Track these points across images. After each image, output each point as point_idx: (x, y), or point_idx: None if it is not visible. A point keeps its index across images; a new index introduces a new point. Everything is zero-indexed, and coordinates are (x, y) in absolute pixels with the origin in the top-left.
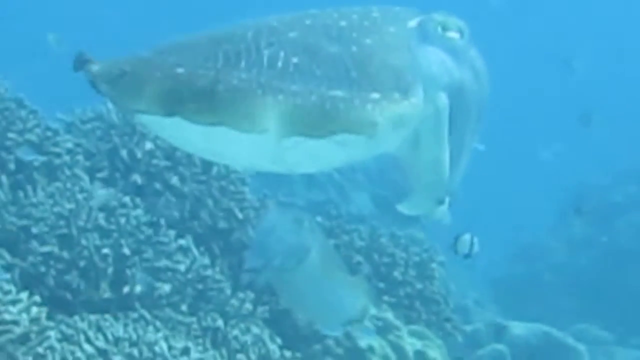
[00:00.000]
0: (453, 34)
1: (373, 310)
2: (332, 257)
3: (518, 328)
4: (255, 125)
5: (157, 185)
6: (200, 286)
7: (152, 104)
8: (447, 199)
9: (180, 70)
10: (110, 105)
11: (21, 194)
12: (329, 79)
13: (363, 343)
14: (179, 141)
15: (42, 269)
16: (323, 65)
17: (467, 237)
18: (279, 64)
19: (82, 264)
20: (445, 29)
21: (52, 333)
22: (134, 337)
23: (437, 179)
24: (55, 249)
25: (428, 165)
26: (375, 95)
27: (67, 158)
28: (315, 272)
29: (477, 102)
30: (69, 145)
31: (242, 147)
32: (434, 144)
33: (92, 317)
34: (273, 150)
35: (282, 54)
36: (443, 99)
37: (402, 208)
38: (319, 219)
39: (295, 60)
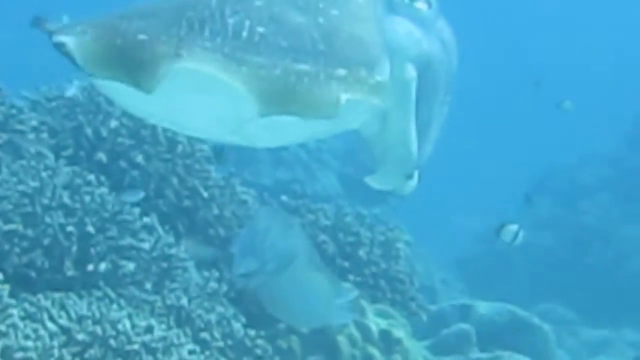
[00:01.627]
0: (420, 5)
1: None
2: (316, 261)
3: (483, 307)
4: (216, 96)
5: (122, 164)
6: (164, 264)
7: (112, 71)
8: (416, 174)
9: (142, 37)
10: (75, 83)
11: None
12: (294, 51)
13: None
14: (138, 109)
15: (6, 247)
16: (289, 36)
17: (514, 227)
18: (244, 33)
19: (46, 242)
20: None
21: (14, 311)
22: (98, 315)
23: (405, 153)
24: (19, 227)
25: (395, 139)
26: (342, 72)
27: (31, 136)
28: (300, 277)
29: (445, 73)
30: (34, 123)
31: (202, 117)
32: (401, 118)
33: (56, 295)
34: (233, 122)
35: (247, 23)
36: (410, 71)
37: (371, 182)
38: (284, 197)
39: (260, 30)
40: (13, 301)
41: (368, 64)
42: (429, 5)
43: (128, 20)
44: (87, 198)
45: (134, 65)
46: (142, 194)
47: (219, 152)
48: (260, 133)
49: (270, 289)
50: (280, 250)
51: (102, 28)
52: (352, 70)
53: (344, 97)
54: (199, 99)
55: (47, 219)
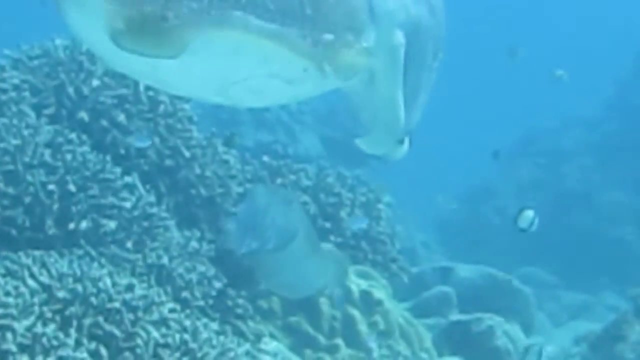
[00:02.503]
0: None
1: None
2: (313, 236)
3: (464, 270)
4: (202, 55)
5: (104, 123)
6: (145, 224)
7: (97, 26)
8: (406, 139)
9: None
10: (57, 42)
11: None
12: (282, 14)
13: None
14: (123, 66)
15: None
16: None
17: (530, 213)
18: None
19: (27, 200)
20: None
21: None
22: (78, 273)
23: (393, 119)
24: (1, 185)
25: (384, 105)
26: (328, 37)
27: (13, 94)
28: (298, 255)
29: (433, 38)
30: (16, 81)
31: (187, 77)
32: (389, 84)
33: (37, 253)
34: (218, 82)
35: None
36: (399, 37)
37: (363, 146)
38: (266, 158)
39: None
40: None
41: (355, 29)
42: None
43: None
44: (69, 157)
45: (121, 25)
46: (149, 141)
47: (230, 137)
48: (246, 94)
49: (268, 266)
50: (281, 228)
51: None
52: (339, 35)
53: (330, 61)
54: (186, 59)
55: (29, 177)
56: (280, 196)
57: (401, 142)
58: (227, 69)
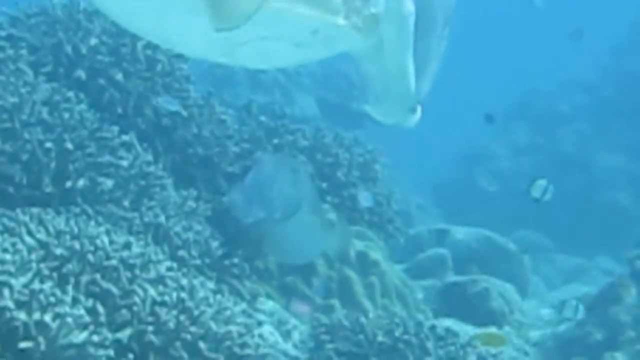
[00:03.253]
0: None
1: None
2: (318, 204)
3: (460, 233)
4: (209, 13)
5: (102, 81)
6: (142, 182)
7: None
8: (418, 107)
9: None
10: (55, 0)
11: None
12: None
13: None
14: (130, 24)
15: None
16: None
17: (542, 182)
18: None
19: (24, 157)
20: None
21: None
22: (76, 230)
23: (404, 88)
24: None
25: (394, 74)
26: (336, 2)
27: (10, 52)
28: (303, 223)
29: (443, 7)
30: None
31: (192, 35)
32: (399, 52)
33: (34, 211)
34: (225, 43)
35: None
36: (408, 5)
37: (375, 114)
38: (263, 118)
39: None
40: None
41: None
42: None
43: None
44: (66, 115)
45: None
46: (177, 105)
47: (248, 104)
48: (252, 56)
49: (274, 235)
50: (287, 197)
51: None
52: (347, 1)
53: (337, 24)
54: (193, 18)
55: (26, 135)
56: (287, 165)
57: (413, 110)
58: (234, 30)
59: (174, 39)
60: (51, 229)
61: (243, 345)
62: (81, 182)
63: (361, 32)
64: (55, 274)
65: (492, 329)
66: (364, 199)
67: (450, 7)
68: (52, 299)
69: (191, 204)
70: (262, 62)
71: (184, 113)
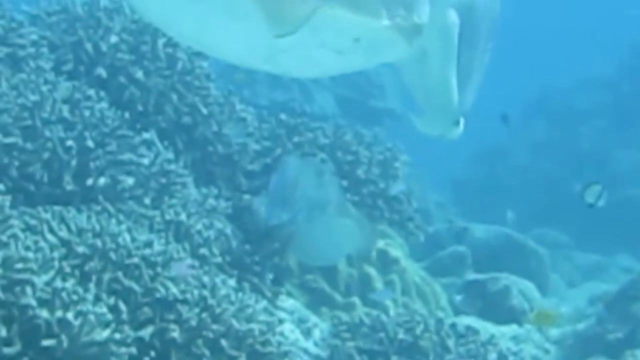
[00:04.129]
0: None
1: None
2: (345, 206)
3: (479, 230)
4: (251, 18)
5: (122, 79)
6: (163, 180)
7: None
8: (462, 120)
9: None
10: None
11: None
12: None
13: None
14: (170, 28)
15: (5, 160)
16: None
17: (597, 187)
18: None
19: (45, 155)
20: None
21: (15, 222)
22: (97, 228)
23: (447, 100)
24: (19, 140)
25: (437, 86)
26: (380, 8)
27: (31, 50)
28: (330, 226)
29: (488, 19)
30: (34, 37)
31: (233, 40)
32: (443, 65)
33: (56, 208)
34: (266, 49)
35: None
36: (452, 17)
37: (418, 126)
38: (283, 116)
39: None
40: (14, 212)
41: (407, 5)
42: None
43: None
44: (87, 112)
45: None
46: (244, 135)
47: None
48: (294, 64)
49: (299, 238)
50: (312, 200)
51: None
52: (390, 8)
53: (381, 32)
54: (235, 24)
55: (47, 133)
56: (311, 167)
57: (456, 123)
58: (276, 36)
59: (214, 45)
60: (73, 227)
61: (264, 343)
62: (102, 180)
63: (404, 42)
64: (77, 272)
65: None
66: (395, 189)
67: (495, 20)
68: (74, 297)
69: (212, 201)
70: (304, 70)
71: (204, 111)
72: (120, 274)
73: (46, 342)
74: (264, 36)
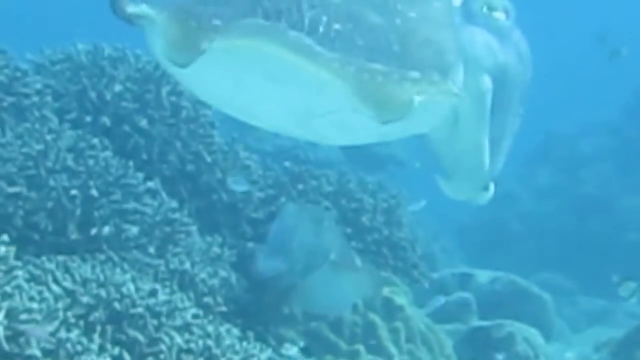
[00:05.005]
0: (499, 14)
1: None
2: (347, 254)
3: (484, 276)
4: (287, 85)
5: (126, 128)
6: (167, 229)
7: (185, 53)
8: (492, 185)
9: (217, 22)
10: (80, 47)
11: None
12: (369, 50)
13: None
14: (206, 93)
15: (10, 209)
16: (365, 35)
17: (632, 284)
18: (321, 28)
19: (50, 205)
20: (491, 8)
21: (20, 273)
22: (102, 278)
23: (478, 165)
24: (24, 190)
25: (468, 150)
26: (415, 74)
27: (36, 99)
28: (332, 274)
29: (520, 85)
30: (38, 86)
31: (270, 107)
32: (475, 129)
33: (60, 258)
34: (302, 115)
35: (324, 18)
36: (486, 82)
37: (446, 190)
38: (287, 163)
39: (337, 26)
40: (19, 263)
41: (442, 69)
42: (507, 15)
43: (204, 4)
44: (91, 161)
45: (199, 40)
46: (246, 184)
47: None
48: (330, 130)
49: (301, 287)
50: (310, 249)
51: (178, 9)
52: (425, 73)
53: (416, 98)
54: (271, 87)
55: (51, 182)
56: (309, 215)
57: (486, 188)
58: (309, 101)
59: (247, 108)
60: (77, 277)
61: None
62: (106, 229)
63: (438, 110)
64: (81, 322)
65: None
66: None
67: (526, 85)
68: (78, 348)
69: (216, 249)
70: (339, 137)
71: (209, 159)
72: (124, 323)
73: None
74: (300, 101)
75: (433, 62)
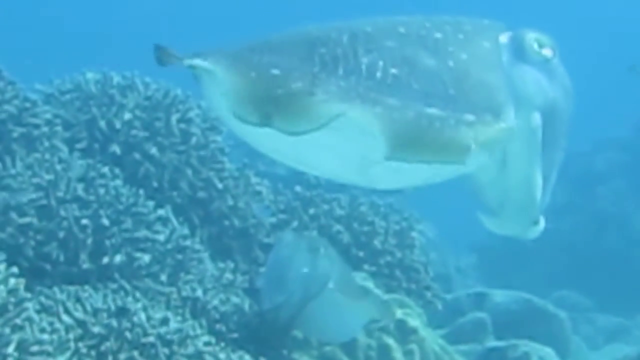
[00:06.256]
0: (547, 51)
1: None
2: (349, 280)
3: (499, 296)
4: (348, 136)
5: (136, 156)
6: (179, 256)
7: (244, 105)
8: (542, 219)
9: (275, 71)
10: (89, 76)
11: (0, 165)
12: (426, 94)
13: None
14: (263, 145)
15: (21, 240)
16: (421, 79)
17: None
18: (378, 74)
19: (61, 235)
20: (540, 46)
21: (30, 304)
22: (113, 307)
23: (530, 200)
24: (34, 220)
25: (519, 186)
26: (470, 117)
27: (45, 129)
28: (334, 301)
29: (565, 120)
30: (48, 116)
31: (331, 157)
32: (527, 165)
33: (71, 288)
34: (361, 162)
35: (380, 63)
36: (537, 120)
37: (492, 227)
38: (298, 188)
39: (393, 71)
40: (28, 295)
41: (494, 110)
42: (554, 51)
43: (259, 53)
44: (102, 190)
45: (274, 102)
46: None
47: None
48: (385, 175)
49: (302, 317)
50: (307, 279)
51: (234, 59)
52: (479, 115)
53: (473, 142)
54: (330, 139)
55: (62, 212)
56: (305, 244)
57: (536, 222)
58: (368, 149)
59: (305, 158)
60: (88, 307)
61: None
62: (118, 258)
63: (492, 149)
64: (93, 352)
65: None
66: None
67: (569, 119)
68: None
69: (228, 276)
70: (394, 181)
71: (220, 185)
72: (136, 353)
73: None
74: (360, 150)
75: (486, 102)
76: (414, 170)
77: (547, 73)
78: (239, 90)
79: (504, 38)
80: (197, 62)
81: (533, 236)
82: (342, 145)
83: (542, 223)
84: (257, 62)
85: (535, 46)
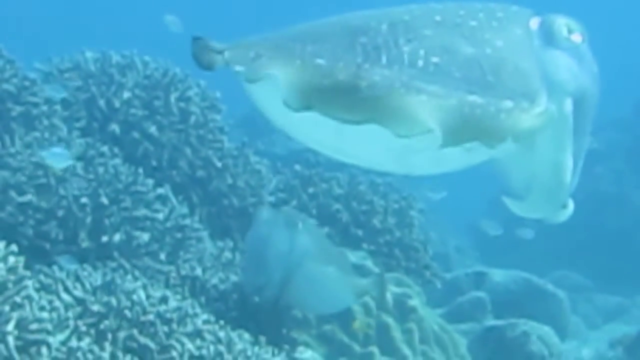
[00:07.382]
0: (577, 37)
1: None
2: (329, 251)
3: (498, 275)
4: (392, 125)
5: (135, 135)
6: (178, 235)
7: (289, 92)
8: (571, 202)
9: (320, 61)
10: (87, 55)
11: None
12: (466, 82)
13: None
14: (304, 135)
15: (20, 218)
16: (461, 67)
17: None
18: (420, 62)
19: (60, 213)
20: (570, 31)
21: (29, 282)
22: (112, 286)
23: (560, 184)
24: (34, 199)
25: (548, 169)
26: (508, 104)
27: (44, 108)
28: (312, 276)
29: (594, 106)
30: (47, 95)
31: (371, 146)
32: (558, 149)
33: (71, 267)
34: (401, 151)
35: (421, 52)
36: (569, 105)
37: (517, 210)
38: (297, 167)
39: (435, 59)
40: (28, 273)
41: (529, 96)
42: (583, 37)
43: (301, 42)
44: (101, 169)
45: (319, 92)
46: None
47: None
48: (424, 163)
49: (288, 293)
50: (286, 257)
51: (278, 50)
52: (517, 102)
53: (511, 128)
54: (373, 128)
55: (61, 191)
56: (282, 220)
57: (564, 205)
58: (417, 138)
59: (347, 149)
60: (88, 285)
61: None
62: (117, 237)
63: (529, 135)
64: (92, 331)
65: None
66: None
67: (596, 105)
68: (90, 356)
69: (227, 254)
70: (431, 168)
71: (219, 164)
72: (135, 331)
73: None
74: (403, 139)
75: (522, 88)
76: (451, 156)
77: (576, 58)
78: (286, 78)
79: (533, 24)
80: (259, 69)
81: (562, 219)
82: (389, 135)
83: (571, 206)
84: (302, 51)
85: (565, 31)
